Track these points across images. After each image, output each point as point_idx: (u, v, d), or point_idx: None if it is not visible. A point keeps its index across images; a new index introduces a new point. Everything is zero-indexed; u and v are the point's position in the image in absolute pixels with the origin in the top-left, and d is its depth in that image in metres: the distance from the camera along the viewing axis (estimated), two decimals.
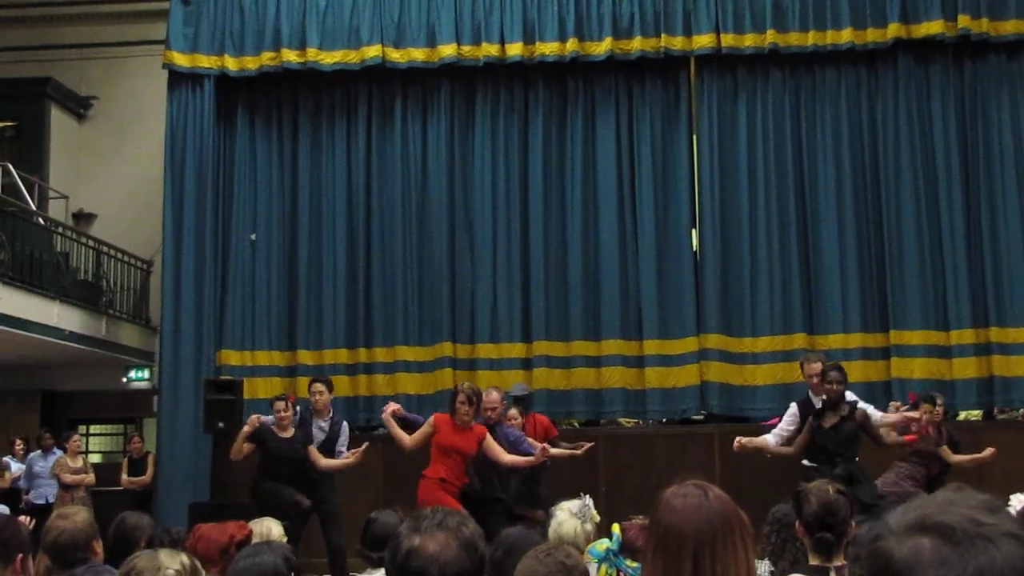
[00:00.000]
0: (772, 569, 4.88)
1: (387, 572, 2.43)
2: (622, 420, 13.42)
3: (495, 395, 9.76)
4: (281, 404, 10.11)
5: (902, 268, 12.98)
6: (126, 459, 14.38)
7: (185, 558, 3.48)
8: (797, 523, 4.01)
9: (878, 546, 1.28)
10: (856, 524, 3.96)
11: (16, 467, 13.91)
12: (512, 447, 9.42)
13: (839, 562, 3.76)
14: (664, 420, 13.34)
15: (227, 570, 3.82)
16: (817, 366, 9.74)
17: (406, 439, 9.47)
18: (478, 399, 9.24)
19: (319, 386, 10.37)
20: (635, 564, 2.99)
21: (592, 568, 3.90)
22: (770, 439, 9.85)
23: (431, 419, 9.45)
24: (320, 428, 10.25)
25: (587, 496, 4.99)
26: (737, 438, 9.90)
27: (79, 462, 13.54)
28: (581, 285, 13.38)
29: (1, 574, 3.59)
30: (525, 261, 13.52)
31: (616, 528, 3.47)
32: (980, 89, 13.26)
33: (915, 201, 13.08)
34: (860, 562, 1.32)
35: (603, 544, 3.32)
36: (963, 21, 12.91)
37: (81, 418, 16.48)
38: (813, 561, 3.89)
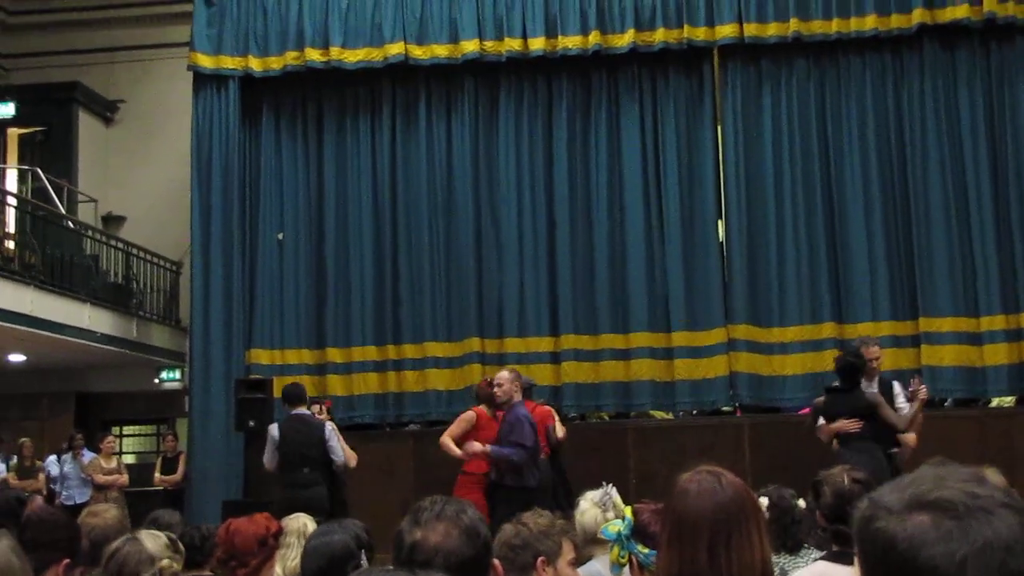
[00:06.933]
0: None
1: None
2: (652, 412, 13.41)
3: (506, 373, 9.33)
4: (315, 408, 10.23)
5: (931, 255, 12.86)
6: (160, 458, 14.47)
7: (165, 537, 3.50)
8: (817, 513, 3.98)
9: (876, 528, 1.27)
10: None
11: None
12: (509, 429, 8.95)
13: None
14: (694, 412, 13.32)
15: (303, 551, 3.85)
16: (876, 350, 9.61)
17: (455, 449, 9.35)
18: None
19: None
20: (647, 550, 2.98)
21: (604, 557, 3.88)
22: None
23: (471, 415, 9.47)
24: None
25: (610, 485, 4.98)
26: None
27: (113, 462, 13.65)
28: (608, 278, 13.35)
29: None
30: (551, 255, 13.50)
31: (628, 512, 3.45)
32: (1007, 74, 13.09)
33: (943, 187, 12.95)
34: (857, 545, 1.31)
35: (615, 526, 3.29)
36: (989, 5, 12.74)
37: (114, 419, 16.60)
38: (835, 547, 3.87)
